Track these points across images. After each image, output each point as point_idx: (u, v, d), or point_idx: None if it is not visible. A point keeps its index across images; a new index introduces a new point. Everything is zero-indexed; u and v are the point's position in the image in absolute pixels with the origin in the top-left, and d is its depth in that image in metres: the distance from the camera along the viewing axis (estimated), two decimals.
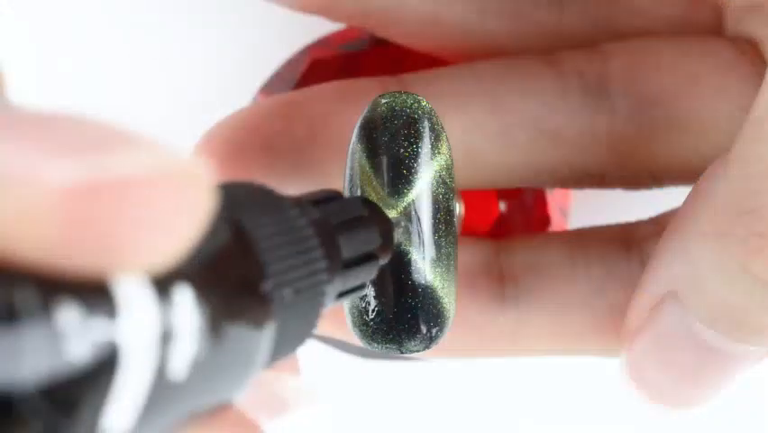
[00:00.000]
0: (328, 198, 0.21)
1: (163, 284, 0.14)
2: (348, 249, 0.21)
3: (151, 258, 0.13)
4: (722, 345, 0.23)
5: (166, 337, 0.14)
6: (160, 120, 0.36)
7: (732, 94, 0.27)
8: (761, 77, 0.26)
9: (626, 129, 0.27)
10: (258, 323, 0.17)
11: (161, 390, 0.14)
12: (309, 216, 0.20)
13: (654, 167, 0.27)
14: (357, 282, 0.21)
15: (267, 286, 0.17)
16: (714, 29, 0.28)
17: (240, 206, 0.18)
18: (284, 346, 0.18)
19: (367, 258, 0.21)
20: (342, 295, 0.21)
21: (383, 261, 0.22)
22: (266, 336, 0.17)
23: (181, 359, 0.14)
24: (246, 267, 0.17)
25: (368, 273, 0.22)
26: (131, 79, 0.36)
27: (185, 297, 0.14)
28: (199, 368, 0.15)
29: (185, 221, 0.13)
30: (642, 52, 0.27)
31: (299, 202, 0.20)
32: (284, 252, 0.18)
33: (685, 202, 0.24)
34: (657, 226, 0.27)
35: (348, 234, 0.21)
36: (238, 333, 0.16)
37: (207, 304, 0.15)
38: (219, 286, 0.16)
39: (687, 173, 0.27)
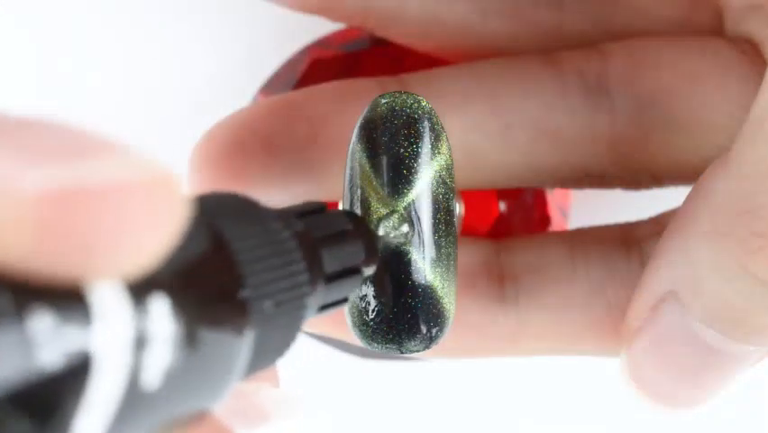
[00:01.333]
0: (313, 211, 0.21)
1: (138, 292, 0.14)
2: (331, 263, 0.21)
3: (126, 265, 0.13)
4: (722, 345, 0.23)
5: (140, 346, 0.14)
6: (161, 120, 0.36)
7: (732, 94, 0.27)
8: (761, 77, 0.26)
9: (626, 129, 0.27)
10: (236, 332, 0.17)
11: (134, 399, 0.14)
12: (292, 228, 0.20)
13: (654, 167, 0.27)
14: (340, 296, 0.21)
15: (245, 294, 0.17)
16: (714, 29, 0.28)
17: (222, 217, 0.18)
18: (263, 358, 0.18)
19: (350, 272, 0.21)
20: (323, 308, 0.21)
21: (367, 273, 0.22)
22: (244, 347, 0.17)
23: (155, 368, 0.14)
24: (225, 277, 0.17)
25: (351, 287, 0.21)
26: (131, 80, 0.36)
27: (160, 305, 0.14)
28: (175, 377, 0.15)
29: (159, 228, 0.13)
30: (642, 52, 0.27)
31: (283, 214, 0.20)
32: (265, 264, 0.18)
33: (685, 202, 0.24)
34: (657, 226, 0.27)
35: (331, 248, 0.21)
36: (215, 342, 0.16)
37: (183, 312, 0.15)
38: (196, 295, 0.16)
39: (687, 173, 0.27)
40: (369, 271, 0.22)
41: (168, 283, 0.15)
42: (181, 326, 0.15)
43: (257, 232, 0.18)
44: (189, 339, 0.15)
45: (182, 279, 0.15)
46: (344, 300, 0.21)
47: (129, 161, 0.13)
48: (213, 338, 0.16)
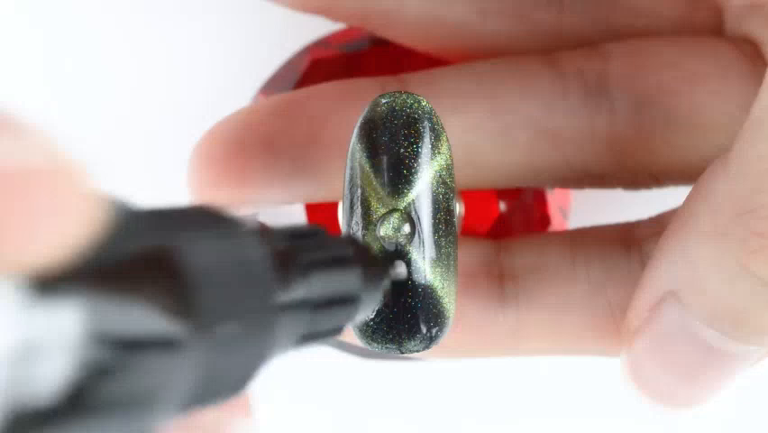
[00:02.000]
0: (308, 234, 0.20)
1: (34, 293, 0.12)
2: (321, 289, 0.19)
3: (26, 258, 0.12)
4: (722, 344, 0.23)
5: (32, 355, 0.12)
6: (161, 120, 0.36)
7: (732, 94, 0.27)
8: (761, 77, 0.26)
9: (626, 129, 0.27)
10: (164, 353, 0.14)
11: (22, 416, 0.12)
12: (271, 247, 0.18)
13: (654, 167, 0.27)
14: (330, 325, 0.19)
15: (185, 311, 0.15)
16: (714, 29, 0.28)
17: (178, 227, 0.16)
18: (216, 390, 0.16)
19: (342, 301, 0.20)
20: (308, 338, 0.19)
21: (370, 308, 0.21)
22: (179, 371, 0.15)
23: (50, 381, 0.12)
24: (161, 289, 0.15)
25: (343, 317, 0.20)
26: (131, 79, 0.36)
27: (65, 309, 0.13)
28: (82, 395, 0.13)
29: (63, 221, 0.12)
30: (642, 52, 0.27)
31: (264, 232, 0.18)
32: (221, 280, 0.16)
33: (685, 202, 0.24)
34: (657, 226, 0.27)
35: (322, 274, 0.19)
36: (138, 360, 0.14)
37: (97, 321, 0.13)
38: (119, 303, 0.14)
39: (687, 173, 0.27)
40: (371, 302, 0.21)
41: (82, 286, 0.13)
42: (91, 335, 0.13)
43: (218, 246, 0.16)
44: (104, 352, 0.13)
45: (102, 285, 0.13)
46: (335, 331, 0.20)
47: (34, 144, 0.12)
48: (135, 355, 0.14)
